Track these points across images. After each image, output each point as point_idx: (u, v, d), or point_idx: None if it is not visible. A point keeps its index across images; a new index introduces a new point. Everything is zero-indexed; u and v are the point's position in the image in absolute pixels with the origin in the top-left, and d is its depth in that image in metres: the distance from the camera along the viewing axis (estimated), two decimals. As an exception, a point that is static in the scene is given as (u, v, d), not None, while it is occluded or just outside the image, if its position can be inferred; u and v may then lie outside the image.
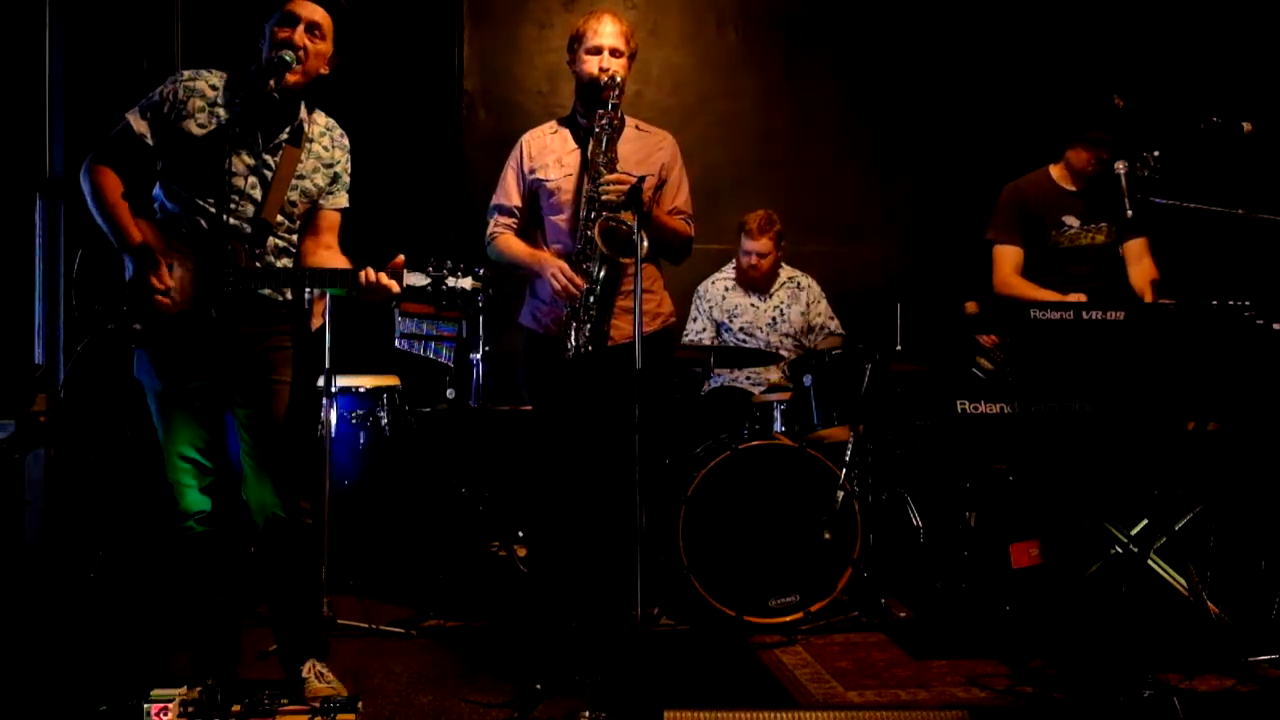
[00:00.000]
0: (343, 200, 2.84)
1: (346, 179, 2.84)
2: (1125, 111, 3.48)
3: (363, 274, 2.60)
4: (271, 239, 2.71)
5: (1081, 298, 3.51)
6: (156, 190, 2.72)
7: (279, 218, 2.71)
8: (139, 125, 2.63)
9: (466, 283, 2.65)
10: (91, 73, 4.10)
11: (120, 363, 2.75)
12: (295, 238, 2.79)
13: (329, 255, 2.78)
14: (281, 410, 2.73)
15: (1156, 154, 3.16)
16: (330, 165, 2.79)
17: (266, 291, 2.72)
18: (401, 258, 2.62)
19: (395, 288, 2.61)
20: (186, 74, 2.67)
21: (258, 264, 2.65)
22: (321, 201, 2.79)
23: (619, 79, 3.05)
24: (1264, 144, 3.21)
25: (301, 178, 2.73)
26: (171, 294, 2.59)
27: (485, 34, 5.12)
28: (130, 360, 2.73)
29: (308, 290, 2.93)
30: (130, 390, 2.79)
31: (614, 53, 3.09)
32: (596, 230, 2.92)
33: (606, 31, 3.10)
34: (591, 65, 3.09)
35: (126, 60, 4.20)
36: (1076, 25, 5.19)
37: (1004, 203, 3.77)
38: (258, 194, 2.67)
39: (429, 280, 2.63)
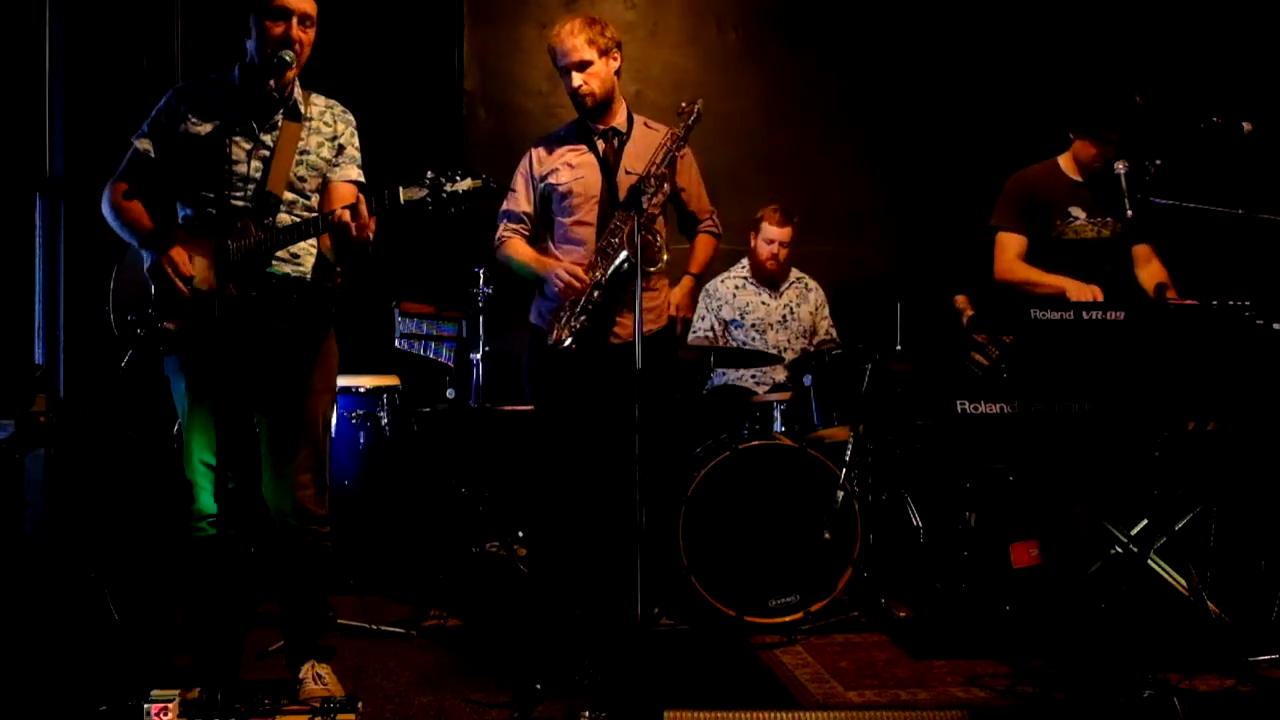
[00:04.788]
0: (352, 172, 2.81)
1: (353, 151, 2.82)
2: (1141, 110, 3.46)
3: (335, 215, 2.56)
4: (286, 216, 2.69)
5: (1097, 291, 3.43)
6: (176, 204, 2.75)
7: (289, 194, 2.70)
8: (143, 145, 2.69)
9: (465, 184, 2.58)
10: (91, 73, 4.10)
11: (130, 368, 2.76)
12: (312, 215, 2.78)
13: None
14: (303, 417, 2.74)
15: (1159, 162, 3.14)
16: (334, 138, 2.78)
17: (289, 269, 2.71)
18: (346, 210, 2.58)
19: (358, 217, 2.54)
20: (181, 85, 2.73)
21: (264, 234, 2.64)
22: (330, 174, 2.78)
23: (698, 105, 3.10)
24: (1264, 144, 3.20)
25: (306, 153, 2.72)
26: (195, 281, 2.59)
27: (485, 34, 5.13)
28: (140, 363, 2.74)
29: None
30: (131, 391, 2.80)
31: (580, 67, 3.08)
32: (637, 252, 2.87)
33: (568, 48, 3.08)
34: (566, 87, 3.12)
35: (126, 60, 4.20)
36: (1074, 25, 5.19)
37: (1009, 191, 3.72)
38: (260, 175, 2.67)
39: (426, 191, 2.57)
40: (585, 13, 3.28)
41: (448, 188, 2.57)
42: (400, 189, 2.58)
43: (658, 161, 3.05)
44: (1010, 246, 3.65)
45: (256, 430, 2.77)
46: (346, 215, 2.55)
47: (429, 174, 2.59)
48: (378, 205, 2.58)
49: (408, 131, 4.93)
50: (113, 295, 2.69)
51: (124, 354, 2.66)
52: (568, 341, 3.01)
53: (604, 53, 3.09)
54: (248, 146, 2.67)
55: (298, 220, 2.72)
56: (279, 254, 2.67)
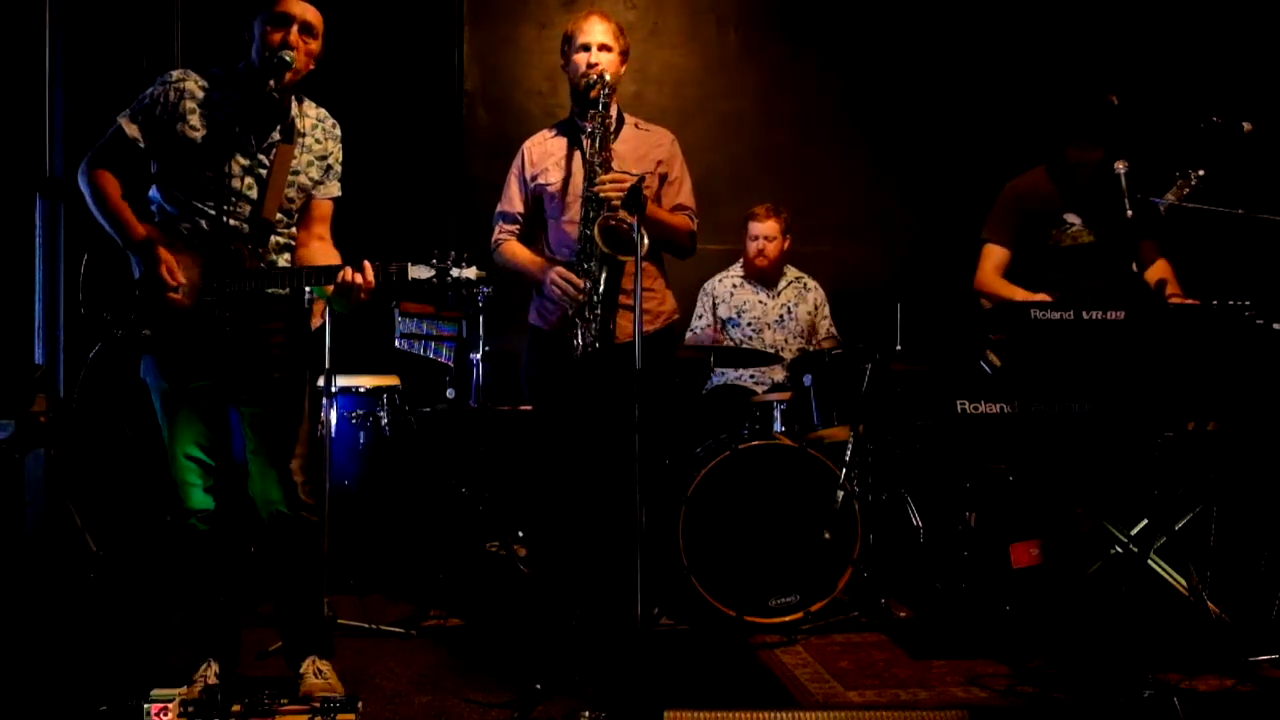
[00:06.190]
0: (334, 189, 2.84)
1: (338, 168, 2.84)
2: (1119, 110, 3.46)
3: (342, 275, 2.60)
4: (273, 237, 2.72)
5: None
6: (153, 192, 2.72)
7: (278, 215, 2.72)
8: (130, 129, 2.64)
9: (471, 272, 2.63)
10: (91, 73, 4.10)
11: (122, 364, 2.76)
12: (294, 231, 2.80)
13: (320, 246, 2.79)
14: (286, 407, 2.74)
15: (1201, 173, 3.14)
16: (323, 157, 2.79)
17: (271, 289, 2.72)
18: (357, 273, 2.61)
19: (369, 281, 2.59)
20: (175, 75, 2.67)
21: (262, 264, 2.66)
22: (314, 192, 2.80)
23: (608, 76, 3.04)
24: (1264, 144, 3.20)
25: (296, 173, 2.73)
26: (184, 287, 2.60)
27: (485, 34, 5.13)
28: (136, 363, 2.74)
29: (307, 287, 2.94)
30: (131, 391, 2.79)
31: (602, 49, 3.09)
32: (596, 229, 2.92)
33: (594, 29, 3.11)
34: (581, 64, 3.10)
35: (126, 60, 4.20)
36: (1075, 24, 5.19)
37: (1002, 203, 3.73)
38: (254, 194, 2.68)
39: (433, 272, 2.61)
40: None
41: (454, 273, 2.62)
42: (409, 266, 2.62)
43: (596, 149, 3.03)
44: (992, 258, 3.67)
45: (240, 429, 2.78)
46: (357, 279, 2.58)
47: (436, 254, 2.63)
48: (384, 275, 2.61)
49: (408, 132, 4.94)
50: (84, 282, 2.65)
51: (90, 343, 2.66)
52: (591, 344, 2.99)
53: (621, 52, 3.14)
54: (244, 163, 2.67)
55: (280, 238, 2.74)
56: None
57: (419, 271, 2.62)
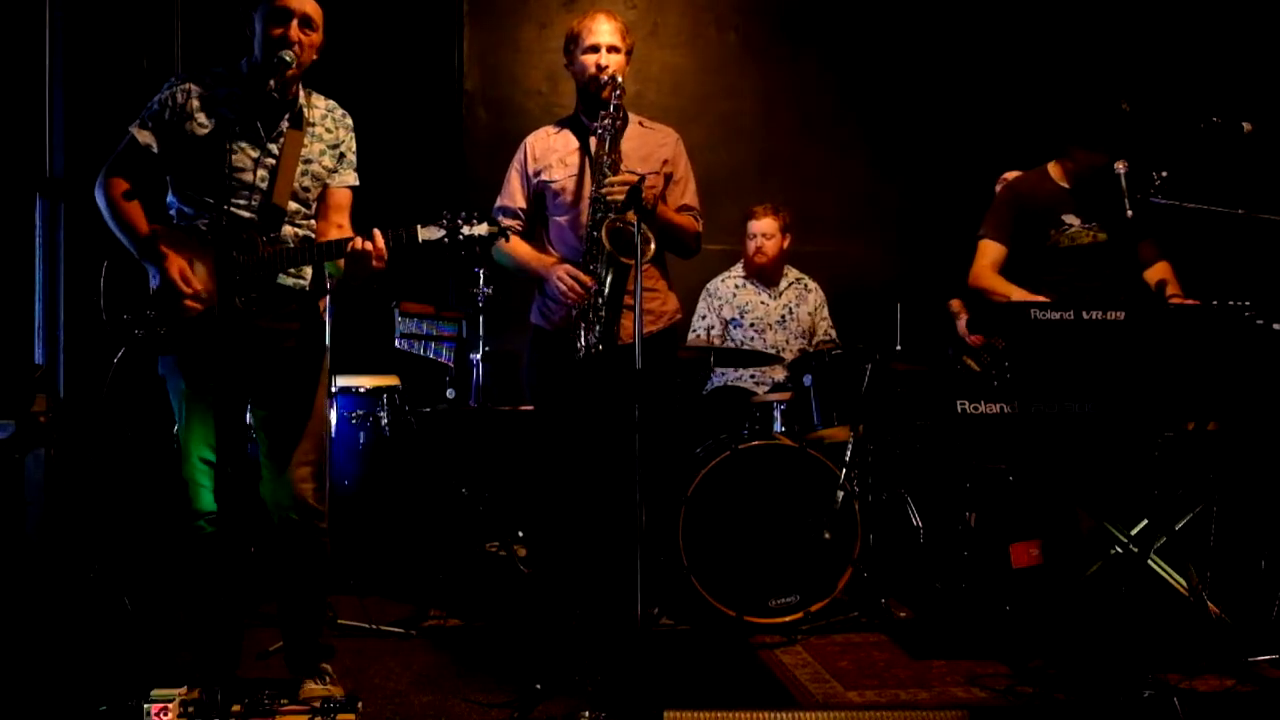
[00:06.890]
0: (350, 178, 2.83)
1: (352, 156, 2.84)
2: (1130, 117, 3.46)
3: (351, 244, 2.60)
4: (289, 228, 2.70)
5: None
6: (170, 197, 2.73)
7: (293, 205, 2.71)
8: (143, 136, 2.65)
9: (482, 229, 2.62)
10: (91, 73, 4.10)
11: (127, 366, 2.76)
12: (313, 223, 2.79)
13: (340, 235, 2.78)
14: (298, 411, 2.73)
15: (1165, 174, 3.14)
16: (335, 145, 2.79)
17: (290, 282, 2.72)
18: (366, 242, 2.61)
19: (380, 248, 2.58)
20: (186, 79, 2.68)
21: (274, 250, 2.65)
22: (329, 181, 2.79)
23: (619, 77, 3.05)
24: (1264, 144, 3.20)
25: (309, 161, 2.73)
26: (200, 295, 2.59)
27: (485, 34, 5.13)
28: (140, 365, 2.73)
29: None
30: (133, 392, 2.79)
31: (611, 50, 3.10)
32: (604, 231, 2.91)
33: (603, 30, 3.11)
34: (589, 64, 3.09)
35: (126, 60, 4.20)
36: (1075, 24, 5.20)
37: (1000, 201, 3.72)
38: (266, 185, 2.67)
39: (444, 232, 2.60)
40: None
41: (464, 230, 2.61)
42: (418, 228, 2.61)
43: (605, 150, 3.04)
44: (987, 254, 3.66)
45: (252, 430, 2.77)
46: (368, 246, 2.57)
47: (445, 214, 2.61)
48: (394, 240, 2.60)
49: (408, 131, 4.94)
50: (104, 288, 2.65)
51: (116, 349, 2.66)
52: (595, 345, 2.99)
53: (627, 51, 3.15)
54: (254, 155, 2.66)
55: (299, 230, 2.73)
56: None
57: (429, 233, 2.61)
